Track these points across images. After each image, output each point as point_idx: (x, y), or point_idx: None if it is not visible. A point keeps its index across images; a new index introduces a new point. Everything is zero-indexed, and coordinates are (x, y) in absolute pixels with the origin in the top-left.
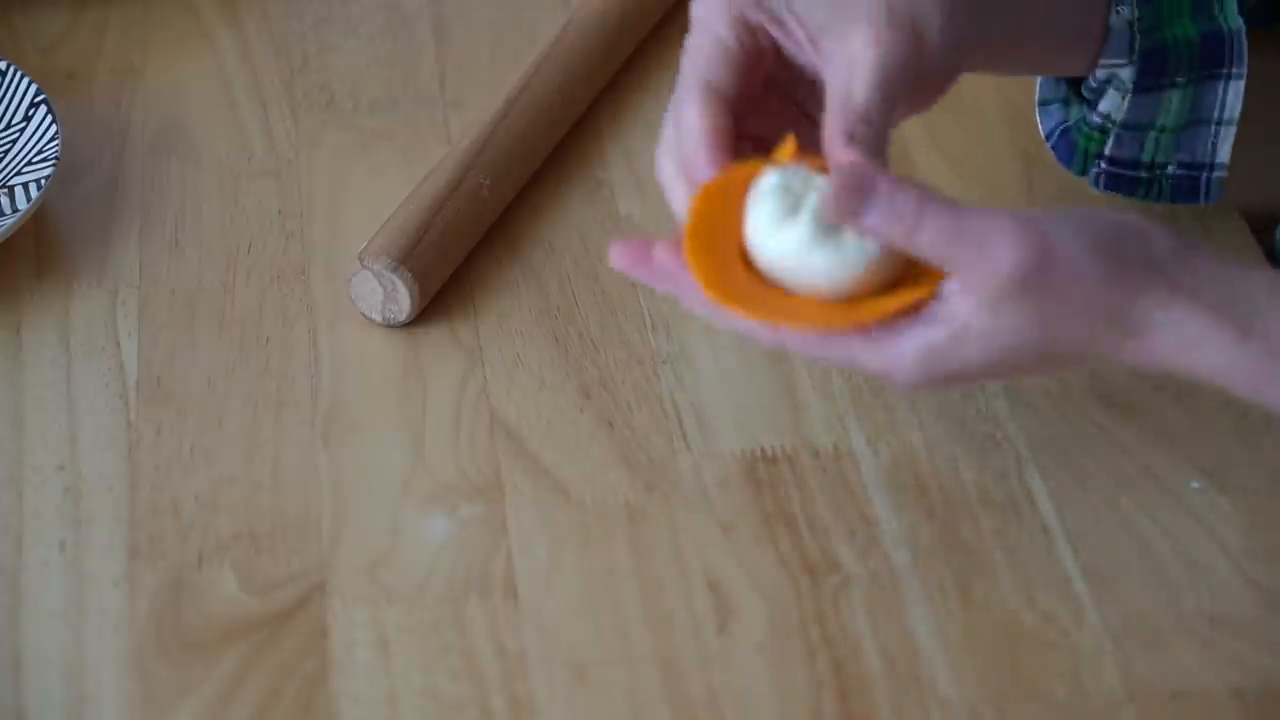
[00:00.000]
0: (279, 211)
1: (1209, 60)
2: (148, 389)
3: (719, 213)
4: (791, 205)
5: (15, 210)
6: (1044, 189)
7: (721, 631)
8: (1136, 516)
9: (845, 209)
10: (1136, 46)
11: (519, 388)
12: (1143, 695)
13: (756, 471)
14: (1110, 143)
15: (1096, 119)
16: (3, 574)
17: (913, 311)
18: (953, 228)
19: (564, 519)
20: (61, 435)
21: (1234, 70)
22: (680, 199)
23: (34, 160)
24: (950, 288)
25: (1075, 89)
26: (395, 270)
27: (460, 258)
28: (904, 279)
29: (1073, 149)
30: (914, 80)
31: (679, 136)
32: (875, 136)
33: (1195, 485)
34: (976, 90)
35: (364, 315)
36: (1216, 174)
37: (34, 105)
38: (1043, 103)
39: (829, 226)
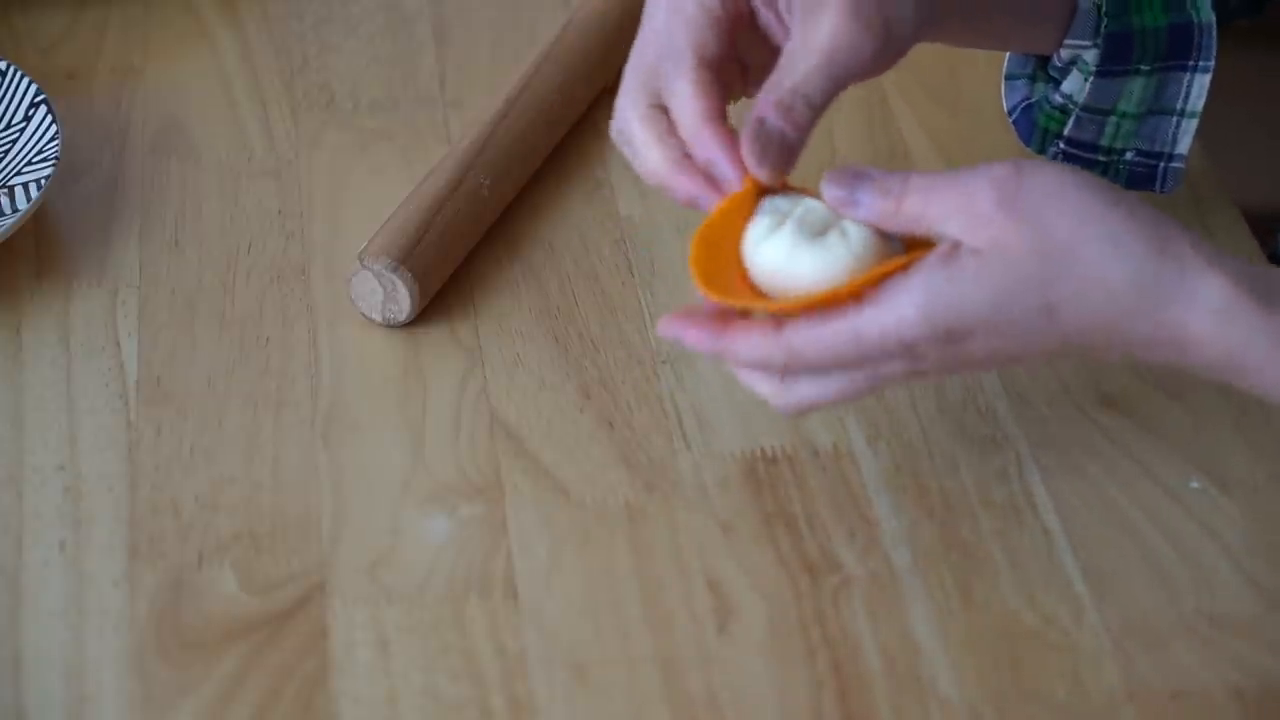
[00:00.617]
0: (279, 211)
1: (1175, 51)
2: (148, 389)
3: (718, 244)
4: (780, 221)
5: (15, 210)
6: None
7: (721, 631)
8: (1136, 517)
9: (841, 190)
10: (1102, 30)
11: (519, 388)
12: (1143, 695)
13: (756, 471)
14: (1070, 124)
15: (1059, 99)
16: (3, 574)
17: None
18: (932, 183)
19: (564, 519)
20: (61, 435)
21: (1200, 63)
22: (655, 159)
23: (34, 160)
24: (942, 243)
25: (1043, 66)
26: (395, 270)
27: (460, 258)
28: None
29: (1033, 127)
30: (870, 65)
31: (673, 110)
32: (811, 118)
33: (1195, 485)
34: (976, 90)
35: (364, 315)
36: (1175, 164)
37: (34, 105)
38: (1009, 77)
39: (813, 231)
